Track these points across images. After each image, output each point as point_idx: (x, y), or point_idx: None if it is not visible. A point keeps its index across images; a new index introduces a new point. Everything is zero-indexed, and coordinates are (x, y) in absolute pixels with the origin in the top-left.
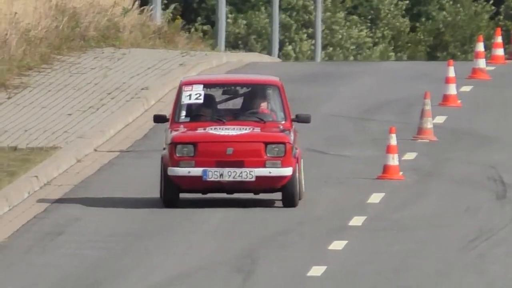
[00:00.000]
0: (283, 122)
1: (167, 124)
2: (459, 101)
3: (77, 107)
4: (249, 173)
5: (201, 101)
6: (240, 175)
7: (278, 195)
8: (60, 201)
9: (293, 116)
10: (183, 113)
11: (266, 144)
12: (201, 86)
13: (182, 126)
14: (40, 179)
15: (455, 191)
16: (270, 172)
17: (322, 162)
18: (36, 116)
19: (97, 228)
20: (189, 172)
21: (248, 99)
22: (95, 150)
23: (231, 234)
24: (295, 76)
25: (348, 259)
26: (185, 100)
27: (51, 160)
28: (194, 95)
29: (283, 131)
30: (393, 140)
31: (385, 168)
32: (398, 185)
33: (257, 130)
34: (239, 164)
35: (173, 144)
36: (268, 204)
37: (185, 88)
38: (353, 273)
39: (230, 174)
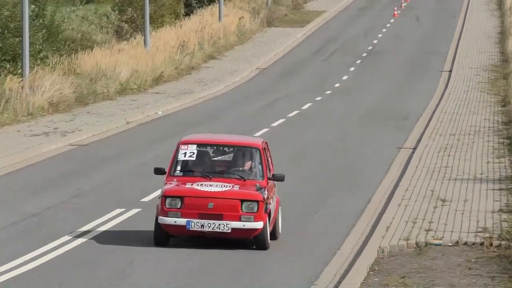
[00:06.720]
0: (261, 180)
1: (164, 177)
2: None
3: None
4: (226, 225)
5: (194, 158)
6: (218, 226)
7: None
8: None
9: (269, 175)
10: (178, 168)
11: (242, 201)
12: (195, 145)
13: (175, 180)
14: None
15: None
16: (244, 225)
17: None
18: None
19: None
20: (175, 221)
21: (235, 157)
22: None
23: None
24: None
25: None
26: (180, 157)
27: None
28: (189, 153)
29: (259, 189)
30: None
31: None
32: None
33: (236, 188)
34: (218, 217)
35: (164, 197)
36: None
37: (182, 147)
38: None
39: (210, 225)
